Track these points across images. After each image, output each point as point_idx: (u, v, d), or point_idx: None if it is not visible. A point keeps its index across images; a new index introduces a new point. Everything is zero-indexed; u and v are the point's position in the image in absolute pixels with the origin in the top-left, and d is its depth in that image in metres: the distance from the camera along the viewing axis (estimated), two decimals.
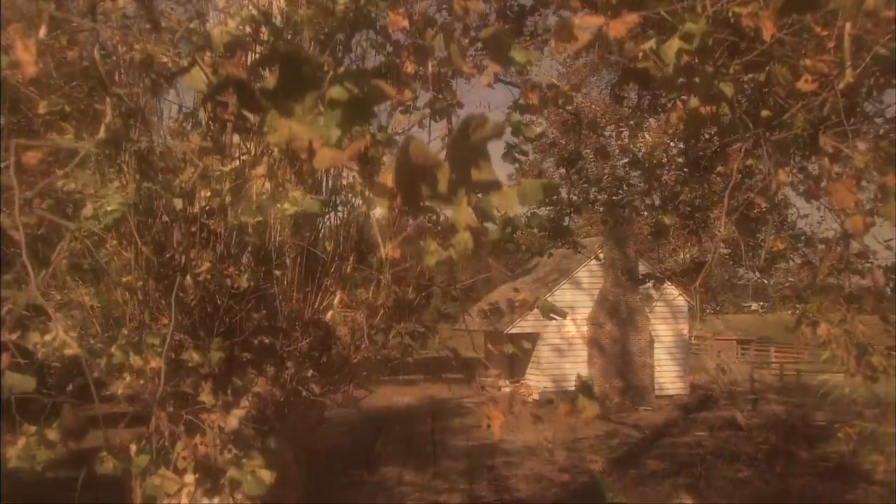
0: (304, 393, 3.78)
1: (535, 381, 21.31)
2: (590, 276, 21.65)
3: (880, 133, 2.58)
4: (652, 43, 2.25)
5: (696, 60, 2.21)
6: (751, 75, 2.50)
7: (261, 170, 3.61)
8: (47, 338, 2.49)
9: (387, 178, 1.19)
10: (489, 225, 3.83)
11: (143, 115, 2.91)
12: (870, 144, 2.23)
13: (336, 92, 1.34)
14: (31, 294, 1.31)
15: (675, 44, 2.12)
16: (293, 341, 3.71)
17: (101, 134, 1.58)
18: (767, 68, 2.48)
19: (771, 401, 19.74)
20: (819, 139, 2.32)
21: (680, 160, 7.71)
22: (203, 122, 3.67)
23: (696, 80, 2.33)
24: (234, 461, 2.94)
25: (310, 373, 3.81)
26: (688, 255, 32.08)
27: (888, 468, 11.31)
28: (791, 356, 30.53)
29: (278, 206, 3.61)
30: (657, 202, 6.45)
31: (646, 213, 7.06)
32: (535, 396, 21.20)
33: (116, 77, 2.64)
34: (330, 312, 3.72)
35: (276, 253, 3.66)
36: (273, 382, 3.69)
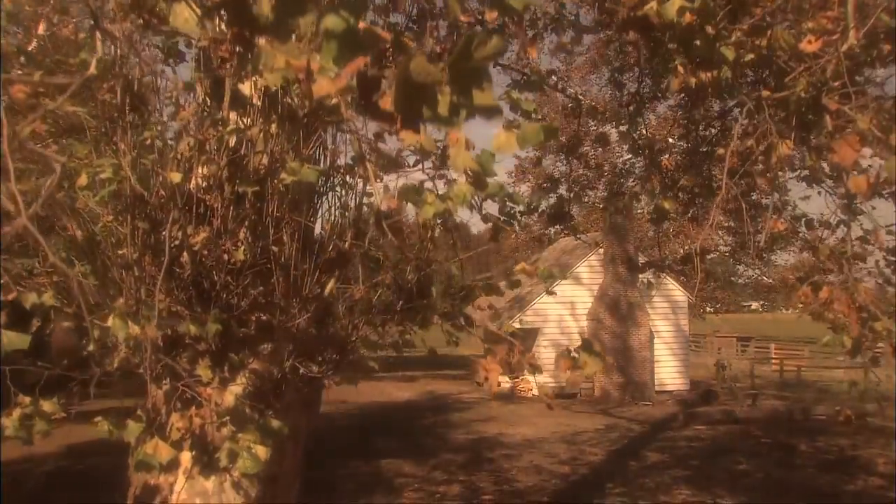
0: (301, 370, 3.75)
1: (535, 377, 21.29)
2: (590, 271, 21.65)
3: (882, 97, 2.55)
4: (654, 3, 2.22)
5: (697, 20, 2.18)
6: (752, 40, 2.47)
7: (259, 144, 3.60)
8: (45, 298, 2.47)
9: (386, 101, 1.16)
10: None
11: (137, 52, 2.88)
12: (872, 106, 2.21)
13: (331, 21, 1.30)
14: (19, 223, 1.29)
15: (676, 2, 2.09)
16: (290, 318, 3.68)
17: (92, 69, 1.55)
18: (769, 33, 2.45)
19: (771, 396, 19.75)
20: (821, 101, 2.30)
21: (679, 153, 7.69)
22: (200, 98, 3.65)
23: (697, 42, 2.30)
24: (230, 436, 2.91)
25: (308, 350, 3.78)
26: (688, 249, 31.98)
27: (888, 460, 11.33)
28: (791, 352, 30.57)
29: (276, 180, 3.60)
30: (657, 188, 6.42)
31: (645, 198, 7.03)
32: (535, 391, 21.18)
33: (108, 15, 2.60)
34: (329, 287, 3.70)
35: (273, 228, 3.63)
36: (270, 359, 3.66)
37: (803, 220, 5.02)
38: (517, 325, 21.10)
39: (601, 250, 21.35)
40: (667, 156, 6.61)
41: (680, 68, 2.70)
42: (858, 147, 2.13)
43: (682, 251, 29.76)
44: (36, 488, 9.81)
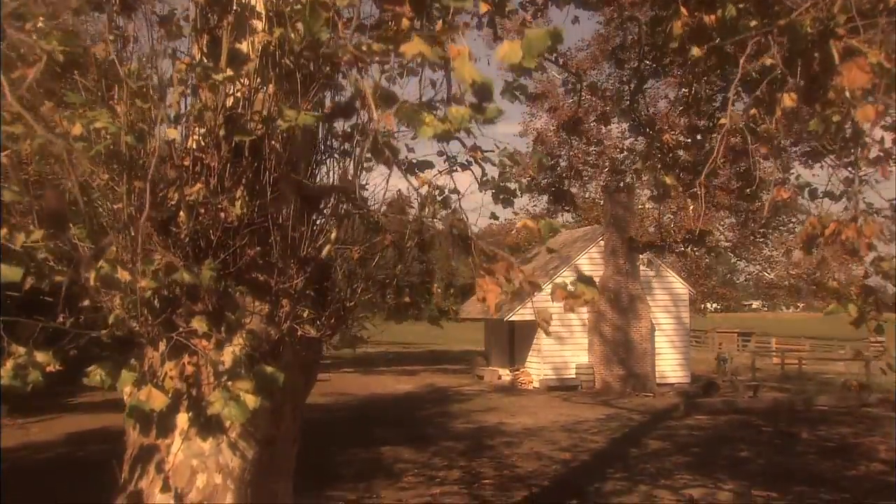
0: (299, 332, 3.71)
1: (536, 369, 21.26)
2: (590, 263, 21.59)
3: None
4: None
5: None
6: None
7: (257, 104, 3.57)
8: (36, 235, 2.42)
9: None
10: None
11: None
12: (882, 39, 2.16)
13: None
14: (9, 103, 1.24)
15: None
16: (288, 279, 3.64)
17: None
18: None
19: (772, 388, 19.71)
20: (828, 37, 2.24)
21: (680, 131, 7.65)
22: (196, 57, 3.61)
23: None
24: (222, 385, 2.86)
25: (306, 313, 3.74)
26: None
27: (889, 447, 11.30)
28: (792, 347, 30.52)
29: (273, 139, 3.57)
30: (659, 164, 6.38)
31: (646, 175, 7.00)
32: (536, 384, 21.15)
33: None
34: (326, 248, 3.66)
35: (271, 188, 3.59)
36: (267, 320, 3.62)
37: (807, 189, 4.97)
38: (516, 318, 21.05)
39: (602, 242, 21.31)
40: (668, 133, 6.57)
41: (683, 9, 2.65)
42: (868, 70, 2.08)
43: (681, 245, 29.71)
44: (35, 473, 9.79)
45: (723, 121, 5.49)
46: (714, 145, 6.94)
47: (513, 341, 22.53)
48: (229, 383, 2.79)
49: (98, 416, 13.88)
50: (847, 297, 4.83)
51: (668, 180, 6.19)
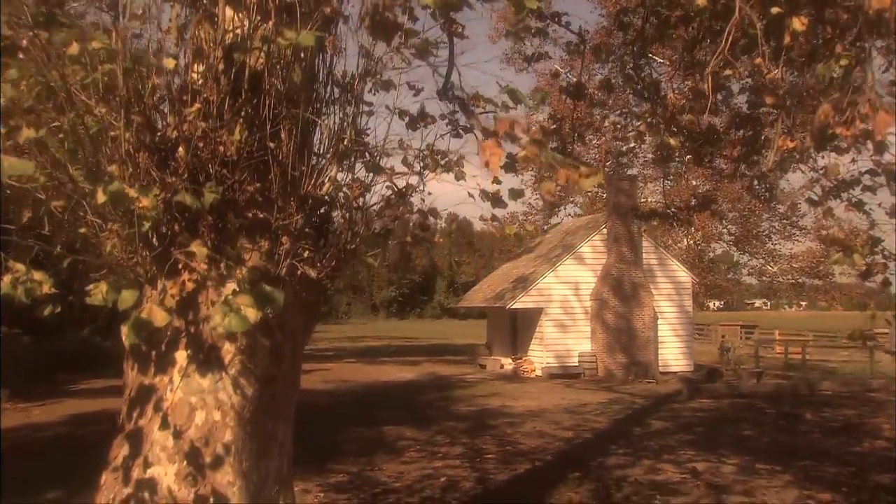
0: (299, 271, 3.67)
1: (539, 358, 21.21)
2: (593, 251, 21.53)
3: None
4: None
5: None
6: None
7: (257, 41, 3.53)
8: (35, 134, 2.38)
9: None
10: None
11: None
12: None
13: None
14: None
15: None
16: (288, 216, 3.60)
17: None
18: None
19: (775, 376, 19.64)
20: None
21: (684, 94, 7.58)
22: None
23: None
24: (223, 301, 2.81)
25: (306, 252, 3.70)
26: (692, 240, 31.94)
27: (893, 426, 11.25)
28: (795, 339, 30.40)
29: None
30: (663, 127, 6.31)
31: (649, 136, 6.92)
32: (539, 372, 21.10)
33: None
34: (326, 185, 3.62)
35: (270, 123, 3.55)
36: (268, 258, 3.58)
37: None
38: (518, 306, 20.99)
39: (605, 230, 21.26)
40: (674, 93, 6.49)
41: None
42: None
43: (686, 243, 29.66)
44: (34, 450, 9.77)
45: (729, 72, 5.43)
46: (720, 108, 6.88)
47: (515, 330, 22.48)
48: (229, 297, 2.74)
49: (99, 400, 13.88)
50: (852, 247, 4.78)
51: (673, 141, 6.14)
